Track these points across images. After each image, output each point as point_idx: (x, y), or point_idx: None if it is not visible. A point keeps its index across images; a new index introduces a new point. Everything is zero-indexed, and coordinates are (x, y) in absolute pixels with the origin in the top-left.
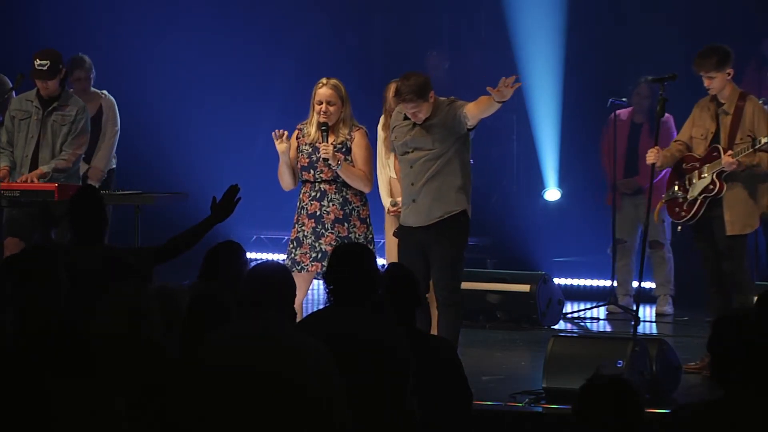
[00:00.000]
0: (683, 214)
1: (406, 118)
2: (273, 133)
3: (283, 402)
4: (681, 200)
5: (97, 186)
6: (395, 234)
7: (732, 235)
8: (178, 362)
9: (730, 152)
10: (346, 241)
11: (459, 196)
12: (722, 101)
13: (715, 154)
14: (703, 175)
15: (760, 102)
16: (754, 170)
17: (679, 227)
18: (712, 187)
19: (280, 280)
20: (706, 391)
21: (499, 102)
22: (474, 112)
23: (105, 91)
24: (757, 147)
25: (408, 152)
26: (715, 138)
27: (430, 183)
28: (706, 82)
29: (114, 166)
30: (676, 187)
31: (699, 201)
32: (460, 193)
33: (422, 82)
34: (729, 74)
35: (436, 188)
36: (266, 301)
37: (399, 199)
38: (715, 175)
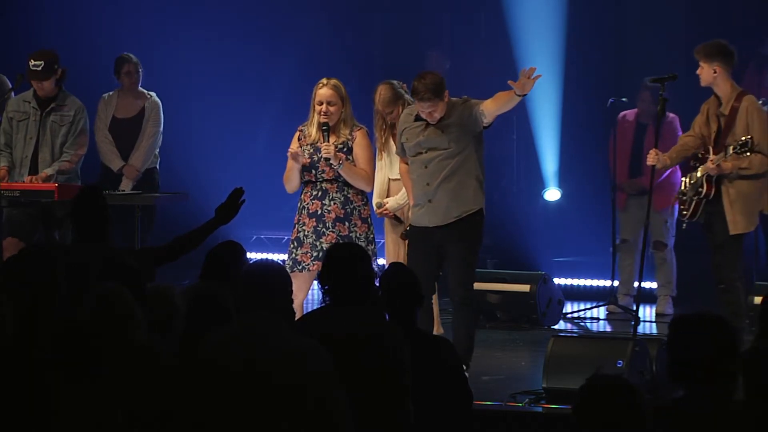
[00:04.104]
0: (684, 212)
1: (417, 119)
2: (290, 151)
3: (282, 403)
4: (685, 198)
5: (131, 185)
6: (404, 236)
7: (733, 234)
8: (175, 364)
9: (712, 157)
10: (347, 240)
11: (476, 195)
12: (722, 101)
13: (707, 156)
14: (696, 176)
15: (760, 103)
16: (742, 173)
17: (684, 224)
18: (701, 189)
19: (275, 279)
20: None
21: (519, 95)
22: (491, 108)
23: (152, 93)
24: (728, 155)
25: (421, 153)
26: (717, 138)
27: (447, 182)
28: (698, 69)
29: (156, 165)
30: (683, 186)
31: (695, 201)
32: (477, 191)
33: (438, 80)
34: (715, 71)
35: (453, 188)
36: (263, 302)
37: (386, 200)
38: (705, 177)
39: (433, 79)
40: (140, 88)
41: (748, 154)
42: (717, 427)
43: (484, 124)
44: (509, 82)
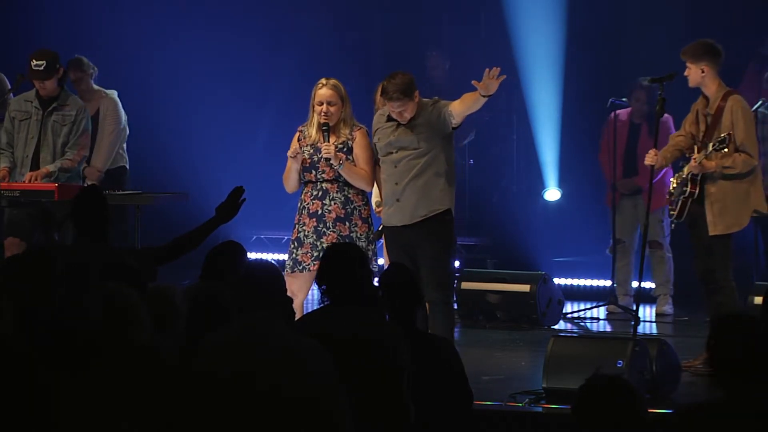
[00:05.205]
0: (672, 212)
1: (389, 119)
2: (289, 154)
3: (282, 404)
4: (673, 199)
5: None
6: (377, 235)
7: (714, 235)
8: (175, 364)
9: (695, 156)
10: (347, 240)
11: (443, 195)
12: (710, 101)
13: (693, 156)
14: (683, 176)
15: (760, 103)
16: (725, 172)
17: (672, 224)
18: (685, 188)
19: (275, 280)
20: (705, 389)
21: (484, 96)
22: (459, 109)
23: (110, 91)
24: (707, 154)
25: (392, 152)
26: (705, 138)
27: (415, 181)
28: (686, 71)
29: (124, 164)
30: (672, 186)
31: (681, 201)
32: (445, 192)
33: (408, 80)
34: (702, 71)
35: (420, 187)
36: (263, 302)
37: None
38: (690, 177)
39: (403, 79)
40: (97, 87)
41: (726, 150)
42: (758, 429)
43: (453, 125)
44: (473, 82)
